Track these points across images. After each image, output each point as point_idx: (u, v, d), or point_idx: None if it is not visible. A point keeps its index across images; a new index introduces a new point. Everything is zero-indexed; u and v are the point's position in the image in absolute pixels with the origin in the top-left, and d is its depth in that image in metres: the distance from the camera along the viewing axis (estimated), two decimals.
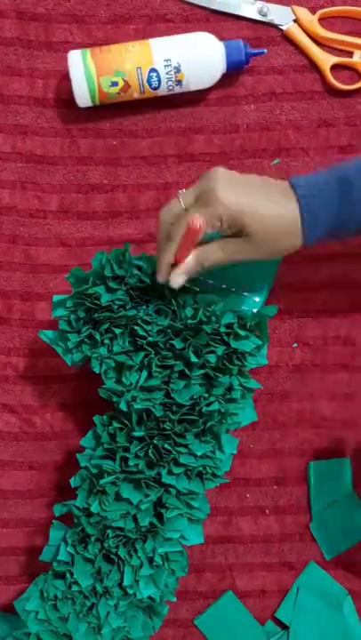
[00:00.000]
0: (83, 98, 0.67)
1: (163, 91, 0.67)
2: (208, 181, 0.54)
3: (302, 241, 0.55)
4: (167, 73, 0.66)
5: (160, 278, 0.58)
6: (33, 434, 0.70)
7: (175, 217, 0.55)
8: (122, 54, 0.66)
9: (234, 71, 0.69)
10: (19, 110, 0.70)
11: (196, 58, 0.66)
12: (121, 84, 0.66)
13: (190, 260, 0.56)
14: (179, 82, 0.67)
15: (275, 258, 0.58)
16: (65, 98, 0.70)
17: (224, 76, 0.69)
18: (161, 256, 0.57)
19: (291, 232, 0.55)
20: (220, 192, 0.53)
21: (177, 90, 0.68)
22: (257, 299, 0.66)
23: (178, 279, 0.57)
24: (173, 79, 0.66)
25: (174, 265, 0.57)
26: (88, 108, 0.69)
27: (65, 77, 0.69)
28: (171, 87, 0.67)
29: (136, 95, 0.67)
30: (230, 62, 0.67)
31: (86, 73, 0.65)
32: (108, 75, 0.65)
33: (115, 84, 0.66)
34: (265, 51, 0.69)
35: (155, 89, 0.67)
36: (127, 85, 0.66)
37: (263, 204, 0.54)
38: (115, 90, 0.66)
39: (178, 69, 0.66)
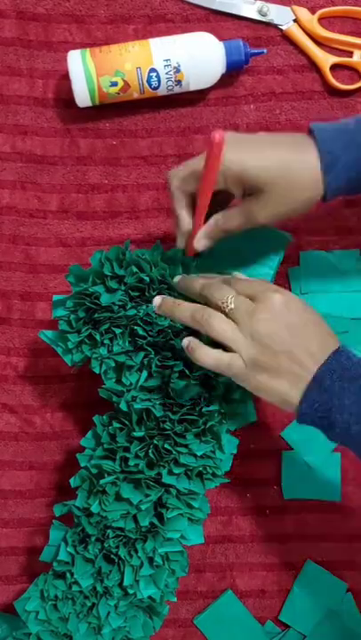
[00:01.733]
0: (82, 98, 0.67)
1: (162, 91, 0.67)
2: None
3: (324, 187, 0.53)
4: (167, 73, 0.66)
5: (179, 243, 0.57)
6: (33, 434, 0.70)
7: (182, 180, 0.55)
8: (122, 54, 0.65)
9: (234, 71, 0.69)
10: (19, 110, 0.70)
11: (195, 58, 0.66)
12: (121, 84, 0.66)
13: (212, 223, 0.55)
14: (178, 82, 0.67)
15: (298, 213, 0.55)
16: (65, 98, 0.70)
17: (224, 76, 0.69)
18: (177, 209, 0.56)
19: (307, 178, 0.53)
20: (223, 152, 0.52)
21: (177, 90, 0.68)
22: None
23: (201, 242, 0.56)
24: (173, 79, 0.66)
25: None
26: (88, 107, 0.69)
27: (65, 77, 0.69)
28: (170, 87, 0.67)
29: (136, 95, 0.67)
30: (230, 62, 0.67)
31: (86, 73, 0.65)
32: (108, 75, 0.65)
33: (114, 84, 0.66)
34: (265, 50, 0.69)
35: (154, 89, 0.67)
36: (127, 85, 0.66)
37: (268, 155, 0.52)
38: (114, 90, 0.66)
39: (178, 69, 0.66)
